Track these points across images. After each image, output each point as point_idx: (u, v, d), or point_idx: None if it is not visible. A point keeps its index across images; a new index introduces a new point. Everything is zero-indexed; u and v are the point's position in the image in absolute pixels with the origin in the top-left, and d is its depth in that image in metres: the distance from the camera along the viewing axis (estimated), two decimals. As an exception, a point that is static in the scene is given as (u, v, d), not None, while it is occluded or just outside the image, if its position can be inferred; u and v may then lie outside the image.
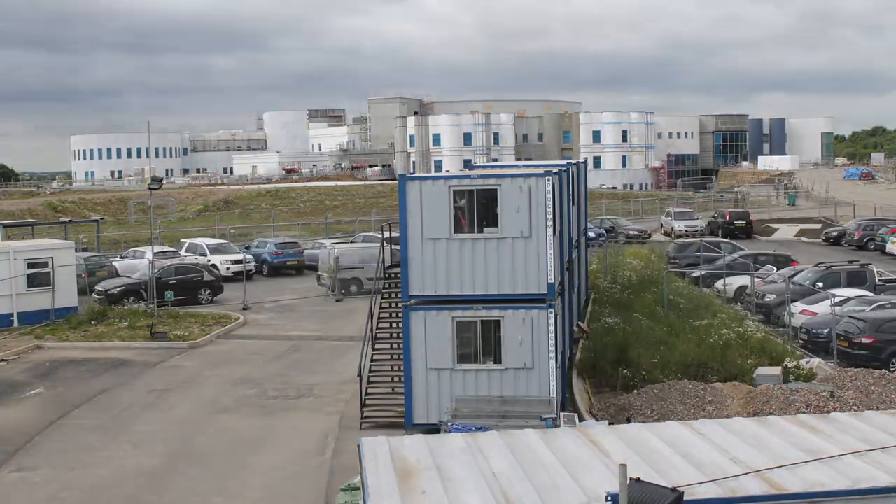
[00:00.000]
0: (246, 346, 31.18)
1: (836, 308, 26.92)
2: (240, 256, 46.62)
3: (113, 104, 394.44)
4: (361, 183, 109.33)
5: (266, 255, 48.11)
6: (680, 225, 60.64)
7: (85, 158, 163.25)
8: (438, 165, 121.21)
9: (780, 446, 10.84)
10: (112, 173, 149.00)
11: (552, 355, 19.71)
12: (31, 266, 34.61)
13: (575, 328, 26.30)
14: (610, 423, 16.94)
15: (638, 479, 8.11)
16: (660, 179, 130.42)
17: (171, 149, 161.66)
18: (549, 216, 19.75)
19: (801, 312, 29.55)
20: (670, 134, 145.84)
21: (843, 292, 30.27)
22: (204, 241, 48.96)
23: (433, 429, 17.48)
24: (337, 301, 38.71)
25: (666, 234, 60.87)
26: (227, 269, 45.48)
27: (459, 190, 20.17)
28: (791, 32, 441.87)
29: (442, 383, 20.00)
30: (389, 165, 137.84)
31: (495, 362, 20.07)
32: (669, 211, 66.42)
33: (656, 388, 21.33)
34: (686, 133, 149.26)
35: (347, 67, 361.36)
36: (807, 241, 58.89)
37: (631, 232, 59.44)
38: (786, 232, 63.51)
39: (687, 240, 50.22)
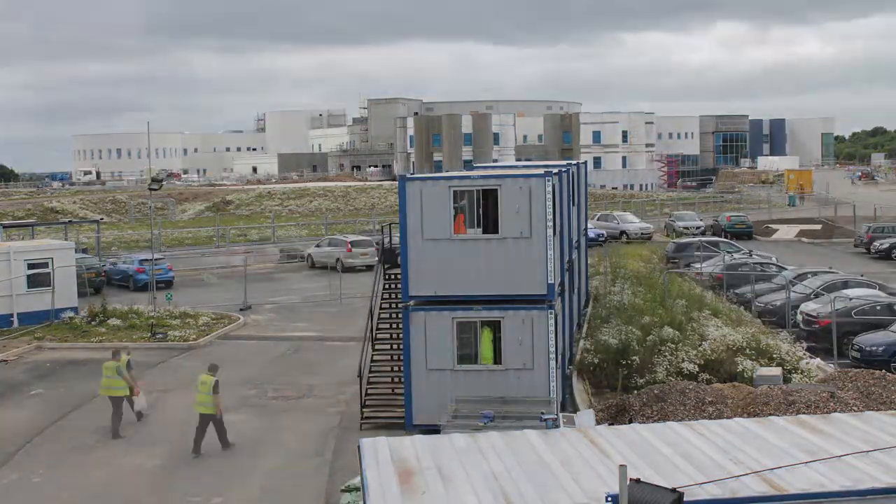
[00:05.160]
0: (246, 347, 31.18)
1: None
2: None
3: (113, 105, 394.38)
4: (361, 183, 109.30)
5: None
6: None
7: (85, 158, 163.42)
8: (438, 166, 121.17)
9: (780, 447, 10.84)
10: (112, 173, 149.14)
11: (552, 356, 19.71)
12: (31, 267, 34.62)
13: None
14: (610, 424, 16.95)
15: (638, 480, 8.10)
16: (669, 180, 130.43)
17: (170, 149, 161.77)
18: (549, 217, 19.74)
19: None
20: (671, 134, 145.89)
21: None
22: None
23: (433, 429, 17.47)
24: None
25: None
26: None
27: (460, 190, 20.18)
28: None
29: (442, 384, 19.98)
30: (389, 166, 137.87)
31: (495, 363, 20.06)
32: None
33: (656, 389, 21.29)
34: (686, 133, 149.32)
35: (348, 67, 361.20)
36: (807, 241, 58.91)
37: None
38: (786, 233, 63.53)
39: (685, 240, 50.08)
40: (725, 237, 54.70)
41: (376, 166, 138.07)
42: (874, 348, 26.14)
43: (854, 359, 26.25)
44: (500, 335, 20.02)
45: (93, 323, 33.81)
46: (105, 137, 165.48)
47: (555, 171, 21.21)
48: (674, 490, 8.00)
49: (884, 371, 21.80)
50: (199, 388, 20.25)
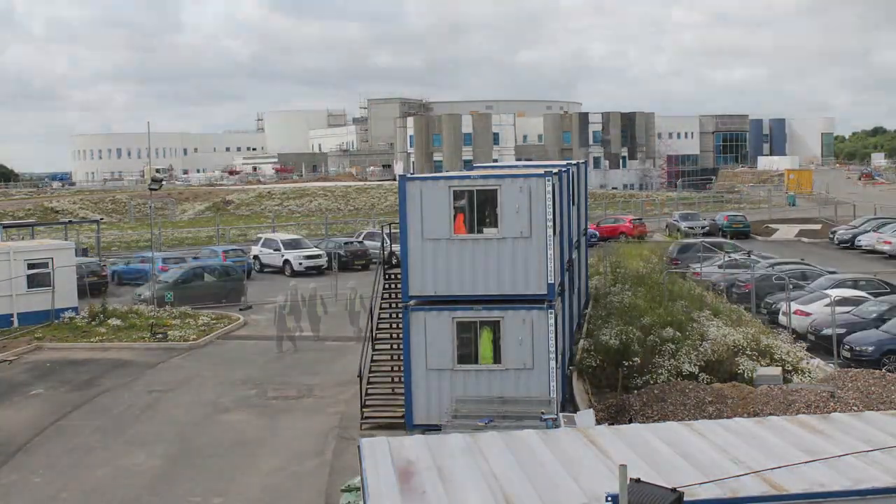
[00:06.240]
0: (246, 347, 31.17)
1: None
2: (317, 252, 48.26)
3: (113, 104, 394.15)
4: (361, 183, 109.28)
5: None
6: None
7: (85, 159, 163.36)
8: (438, 166, 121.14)
9: (780, 446, 10.83)
10: (112, 174, 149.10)
11: (552, 356, 19.70)
12: (31, 266, 34.63)
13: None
14: (610, 424, 16.94)
15: (638, 480, 8.09)
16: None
17: (171, 149, 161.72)
18: (549, 216, 19.74)
19: (795, 313, 29.58)
20: (670, 134, 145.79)
21: (838, 292, 30.14)
22: None
23: (433, 429, 17.47)
24: None
25: None
26: (300, 264, 47.08)
27: (459, 190, 20.17)
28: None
29: (442, 384, 19.99)
30: (389, 166, 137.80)
31: (495, 362, 20.06)
32: None
33: (656, 389, 21.30)
34: (686, 133, 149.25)
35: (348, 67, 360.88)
36: (807, 241, 58.89)
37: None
38: (786, 232, 63.53)
39: (689, 241, 49.97)
40: (723, 237, 54.73)
41: (376, 166, 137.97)
42: (865, 347, 26.07)
43: (845, 358, 26.05)
44: (499, 335, 20.02)
45: (93, 323, 33.82)
46: (105, 137, 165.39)
47: (555, 171, 21.20)
48: (674, 490, 7.99)
49: (884, 371, 21.79)
50: None
